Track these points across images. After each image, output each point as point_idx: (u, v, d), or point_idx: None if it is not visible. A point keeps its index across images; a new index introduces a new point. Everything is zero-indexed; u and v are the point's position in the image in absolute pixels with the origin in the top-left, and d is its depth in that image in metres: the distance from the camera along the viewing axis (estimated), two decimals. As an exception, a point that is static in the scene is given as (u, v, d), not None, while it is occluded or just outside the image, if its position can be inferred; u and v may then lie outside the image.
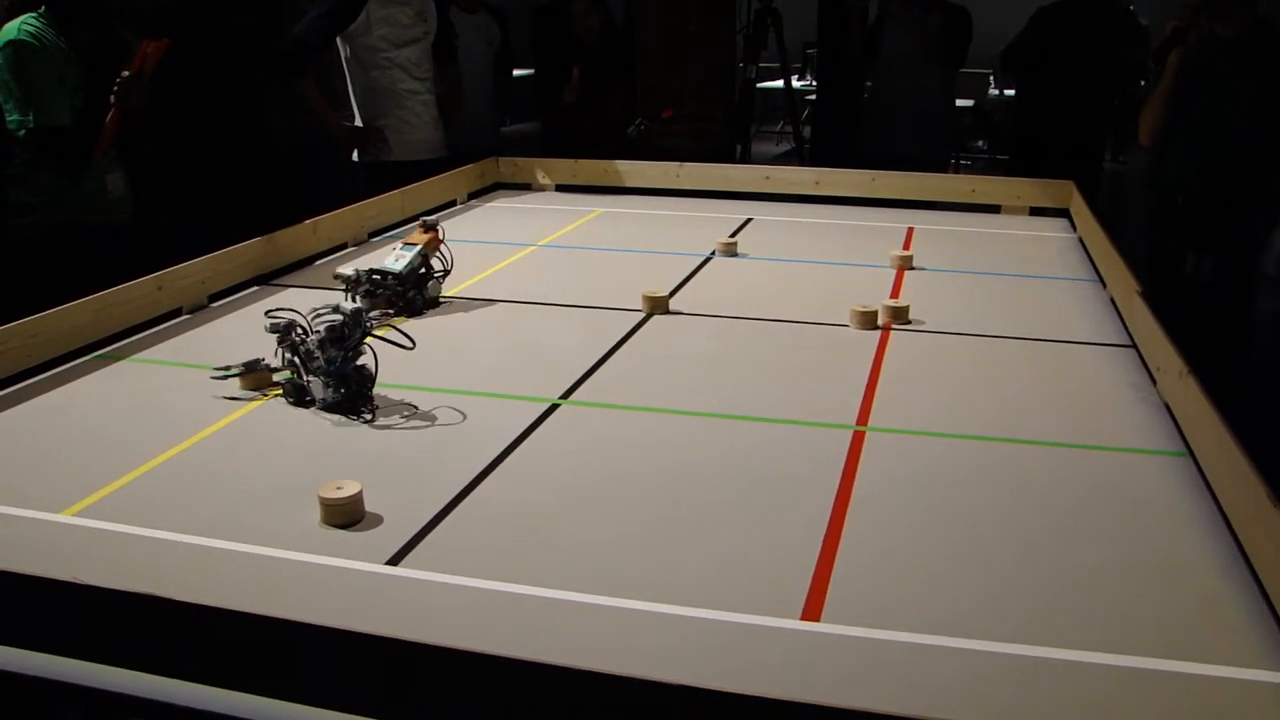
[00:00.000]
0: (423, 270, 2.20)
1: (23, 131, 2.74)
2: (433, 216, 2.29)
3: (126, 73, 2.78)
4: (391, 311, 2.15)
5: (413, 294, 2.18)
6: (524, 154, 3.77)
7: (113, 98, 2.78)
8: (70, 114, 2.79)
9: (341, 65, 3.69)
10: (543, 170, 3.62)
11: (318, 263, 2.62)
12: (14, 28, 2.73)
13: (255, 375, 1.76)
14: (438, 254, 2.24)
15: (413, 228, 2.32)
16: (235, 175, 4.05)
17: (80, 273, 2.17)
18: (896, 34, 4.64)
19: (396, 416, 1.66)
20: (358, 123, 3.70)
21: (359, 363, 1.68)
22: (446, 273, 2.27)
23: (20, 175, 2.85)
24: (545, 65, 4.98)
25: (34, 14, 2.78)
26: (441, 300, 2.25)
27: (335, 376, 1.65)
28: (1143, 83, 4.83)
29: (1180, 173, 3.46)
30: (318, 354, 1.66)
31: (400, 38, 3.60)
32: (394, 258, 2.18)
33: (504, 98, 4.76)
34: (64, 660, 1.10)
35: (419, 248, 2.20)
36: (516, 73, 5.06)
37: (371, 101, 3.67)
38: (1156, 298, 1.92)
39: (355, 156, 3.74)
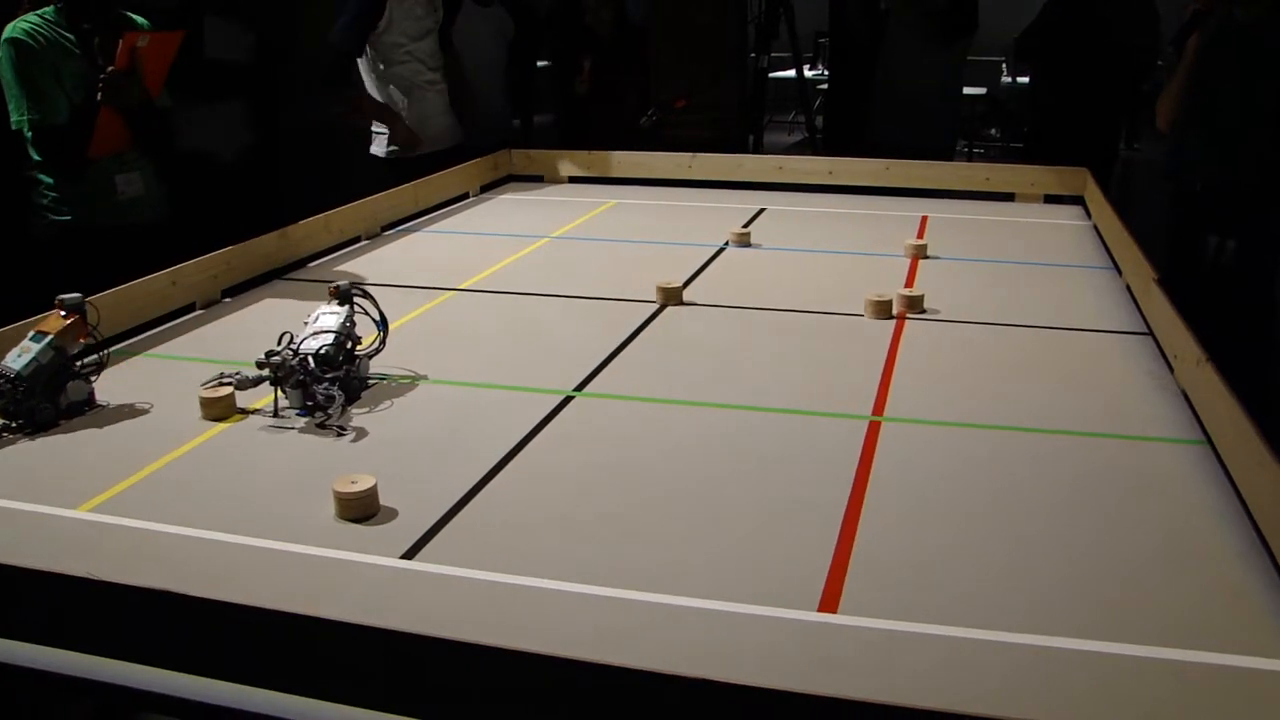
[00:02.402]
0: (62, 365, 1.62)
1: (29, 132, 2.71)
2: (73, 295, 1.65)
3: (111, 68, 2.69)
4: (13, 425, 1.57)
5: (40, 402, 1.58)
6: (539, 146, 3.77)
7: (99, 95, 2.69)
8: (68, 112, 2.71)
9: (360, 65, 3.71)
10: (555, 162, 3.61)
11: (330, 256, 2.62)
12: (14, 26, 2.68)
13: (224, 400, 1.62)
14: (85, 342, 1.66)
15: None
16: (256, 172, 4.07)
17: (87, 276, 2.11)
18: (901, 18, 4.62)
19: (410, 409, 1.66)
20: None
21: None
22: (100, 367, 1.69)
23: (34, 176, 2.82)
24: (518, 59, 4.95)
25: (39, 12, 2.71)
26: (91, 408, 1.65)
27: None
28: (1160, 63, 4.80)
29: (1198, 160, 3.43)
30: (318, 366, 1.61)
31: (416, 30, 3.63)
32: (18, 351, 1.60)
33: (519, 91, 4.77)
34: (79, 655, 1.10)
35: (49, 339, 1.60)
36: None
37: (403, 94, 3.70)
38: (1174, 285, 1.91)
39: (381, 152, 3.73)
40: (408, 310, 2.15)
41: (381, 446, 1.52)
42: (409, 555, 1.21)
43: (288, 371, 1.60)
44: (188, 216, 3.18)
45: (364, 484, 1.30)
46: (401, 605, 1.10)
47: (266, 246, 2.39)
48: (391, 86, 3.67)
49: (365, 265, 2.54)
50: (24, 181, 2.84)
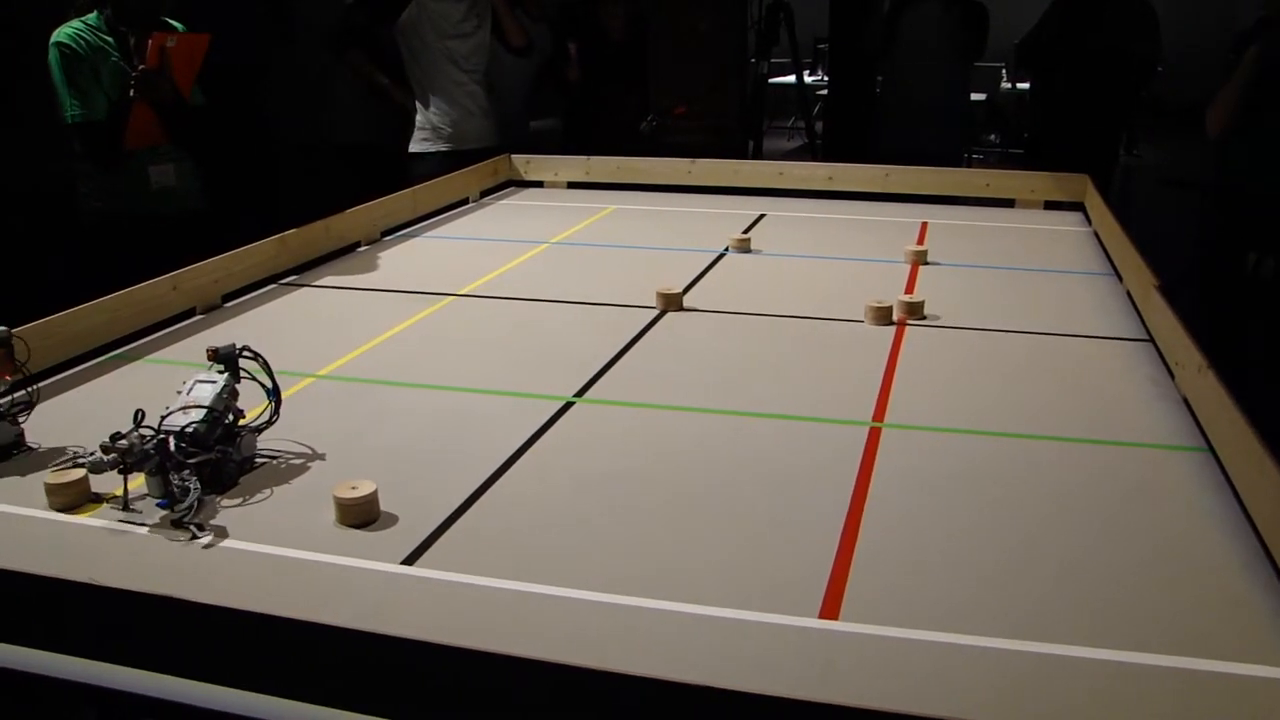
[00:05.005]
0: None
1: (78, 124, 2.98)
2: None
3: (142, 66, 2.95)
4: None
5: None
6: (544, 150, 3.78)
7: (131, 92, 2.96)
8: (107, 109, 2.99)
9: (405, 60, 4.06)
10: (555, 168, 3.62)
11: (330, 261, 2.62)
12: (60, 31, 2.96)
13: (75, 487, 1.35)
14: (9, 379, 1.54)
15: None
16: (300, 170, 4.36)
17: (124, 263, 2.26)
18: (912, 26, 4.63)
19: (411, 415, 1.65)
20: (422, 114, 4.04)
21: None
22: (29, 407, 1.55)
23: (79, 167, 3.10)
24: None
25: (83, 18, 3.00)
26: (16, 451, 1.51)
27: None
28: (1160, 69, 4.81)
29: (1251, 167, 3.40)
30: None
31: (450, 31, 3.91)
32: None
33: (539, 100, 4.97)
34: (81, 661, 1.10)
35: None
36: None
37: (430, 92, 3.99)
38: (1211, 293, 1.90)
39: (418, 148, 4.05)
40: (407, 316, 2.16)
41: (382, 452, 1.52)
42: (409, 561, 1.21)
43: (140, 457, 1.30)
44: (225, 209, 3.47)
45: (364, 490, 1.30)
46: (402, 611, 1.10)
47: (266, 252, 2.39)
48: (418, 78, 3.98)
49: (364, 270, 2.54)
50: (69, 173, 3.14)
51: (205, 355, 1.45)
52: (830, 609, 1.11)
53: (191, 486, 1.30)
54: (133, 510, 1.33)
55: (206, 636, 1.07)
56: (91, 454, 1.32)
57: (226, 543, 1.24)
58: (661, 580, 1.17)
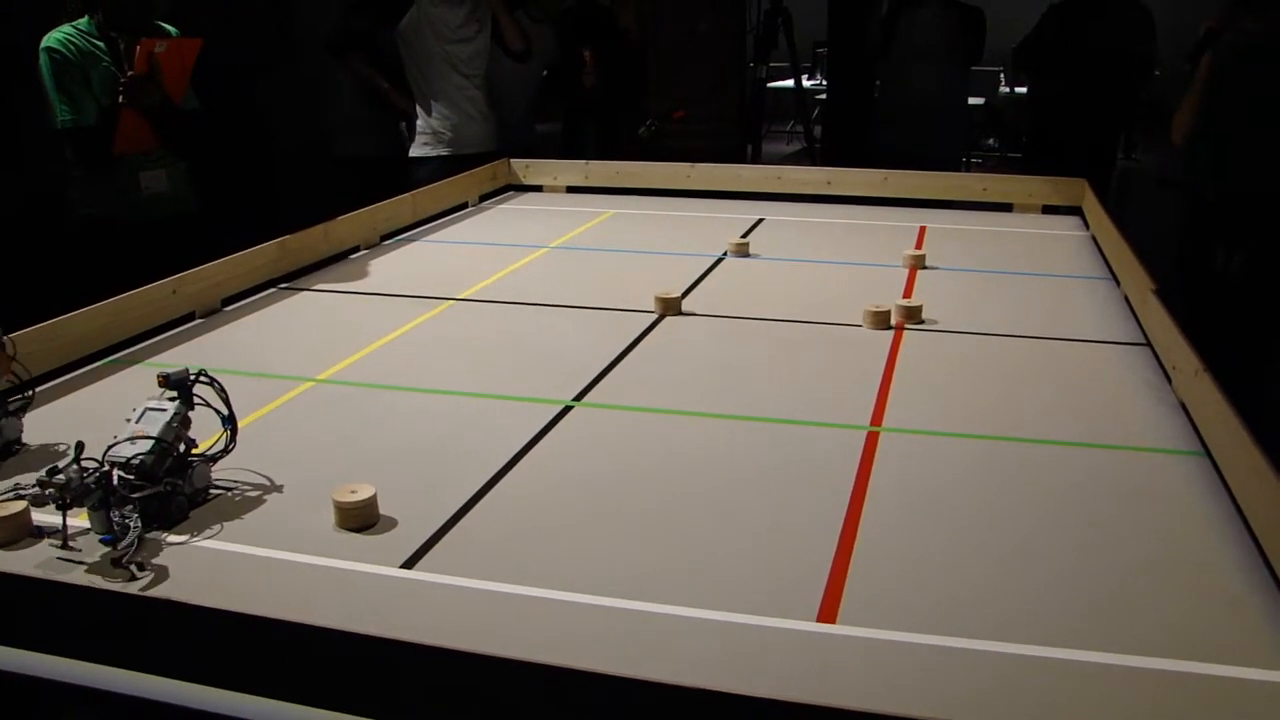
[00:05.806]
0: None
1: (67, 129, 2.97)
2: None
3: (131, 72, 2.93)
4: None
5: None
6: (543, 154, 3.79)
7: (120, 98, 2.94)
8: (97, 114, 2.97)
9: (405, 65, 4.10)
10: (554, 172, 3.62)
11: (329, 266, 2.62)
12: (50, 36, 2.95)
13: (14, 520, 1.25)
14: (9, 379, 1.54)
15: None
16: (296, 174, 4.39)
17: (113, 269, 2.25)
18: (910, 30, 4.64)
19: (410, 419, 1.66)
20: (422, 118, 4.07)
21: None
22: (25, 402, 1.54)
23: (71, 174, 3.09)
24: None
25: (73, 23, 2.99)
26: (18, 447, 1.52)
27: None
28: (1157, 73, 4.83)
29: (1212, 168, 3.46)
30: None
31: (450, 35, 3.94)
32: None
33: (545, 105, 4.95)
34: (78, 663, 1.10)
35: None
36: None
37: (430, 96, 4.03)
38: (1182, 294, 1.91)
39: (417, 152, 4.08)
40: (407, 320, 2.16)
41: (381, 456, 1.52)
42: (408, 565, 1.21)
43: (80, 492, 1.20)
44: (220, 214, 3.43)
45: (363, 493, 1.30)
46: (401, 614, 1.10)
47: (265, 256, 2.39)
48: (418, 82, 4.02)
49: (363, 275, 2.55)
50: (59, 178, 3.13)
51: (156, 381, 1.38)
52: (828, 612, 1.12)
53: (131, 524, 1.21)
54: (72, 548, 1.23)
55: (205, 639, 1.07)
56: (33, 485, 1.22)
57: (225, 545, 1.24)
58: (660, 583, 1.17)
